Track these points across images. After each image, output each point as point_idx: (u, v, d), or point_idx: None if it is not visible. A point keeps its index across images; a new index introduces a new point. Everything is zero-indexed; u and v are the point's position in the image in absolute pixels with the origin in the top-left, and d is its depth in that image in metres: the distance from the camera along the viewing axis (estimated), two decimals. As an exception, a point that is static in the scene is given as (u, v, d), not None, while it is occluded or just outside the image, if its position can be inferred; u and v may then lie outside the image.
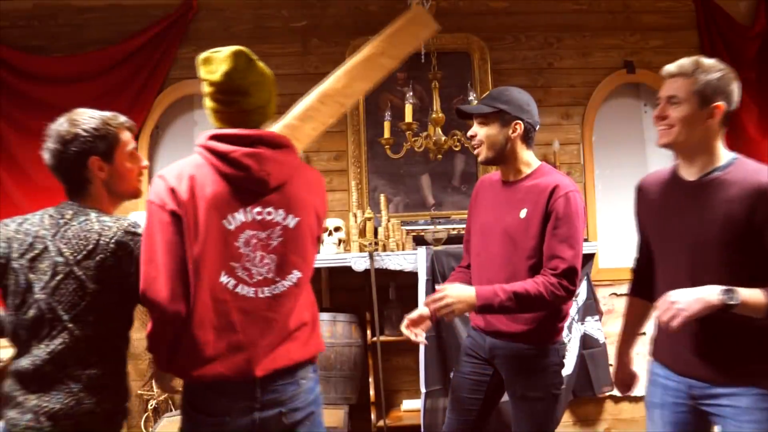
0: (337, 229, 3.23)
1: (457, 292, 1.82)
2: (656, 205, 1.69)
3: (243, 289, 1.43)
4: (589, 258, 3.29)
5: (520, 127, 1.94)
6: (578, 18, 3.62)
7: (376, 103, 3.52)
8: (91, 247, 1.45)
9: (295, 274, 1.49)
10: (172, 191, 1.42)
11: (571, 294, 1.82)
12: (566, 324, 2.03)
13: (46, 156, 1.55)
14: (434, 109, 2.80)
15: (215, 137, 1.50)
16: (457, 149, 2.93)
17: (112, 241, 1.46)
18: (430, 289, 2.95)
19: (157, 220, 1.41)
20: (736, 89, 1.59)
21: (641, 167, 3.64)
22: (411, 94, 2.81)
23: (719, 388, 1.52)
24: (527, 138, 1.97)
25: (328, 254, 3.16)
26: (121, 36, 3.41)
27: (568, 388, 3.14)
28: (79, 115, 1.55)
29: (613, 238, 3.57)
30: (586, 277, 3.27)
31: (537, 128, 2.01)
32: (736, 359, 1.51)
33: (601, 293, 3.45)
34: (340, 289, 3.38)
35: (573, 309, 3.23)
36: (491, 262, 1.95)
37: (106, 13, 3.47)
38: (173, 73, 3.47)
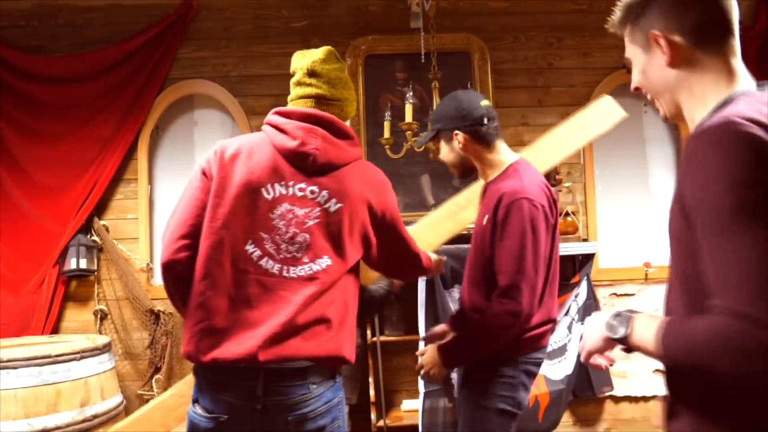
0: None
1: (429, 357, 1.84)
2: None
3: (268, 263, 1.37)
4: (589, 258, 3.30)
5: (460, 137, 1.83)
6: (578, 18, 3.62)
7: (376, 103, 3.52)
8: None
9: (325, 260, 1.39)
10: (215, 154, 1.43)
11: (516, 316, 1.66)
12: (545, 331, 1.83)
13: None
14: (434, 109, 2.80)
15: (278, 112, 1.50)
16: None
17: None
18: (430, 289, 2.95)
19: (192, 178, 1.44)
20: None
21: (641, 167, 3.65)
22: (411, 94, 2.81)
23: None
24: (479, 139, 1.83)
25: (328, 254, 3.15)
26: (121, 36, 3.41)
27: (568, 388, 3.14)
28: None
29: (613, 238, 3.57)
30: (586, 278, 3.27)
31: (486, 122, 1.81)
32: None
33: (601, 293, 3.45)
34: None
35: (573, 309, 3.23)
36: (466, 272, 1.93)
37: (106, 13, 3.47)
38: (173, 73, 3.48)
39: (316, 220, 1.40)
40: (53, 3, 3.46)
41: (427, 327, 2.92)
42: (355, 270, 1.49)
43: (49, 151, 3.31)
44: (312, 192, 1.41)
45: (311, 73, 1.53)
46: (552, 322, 1.85)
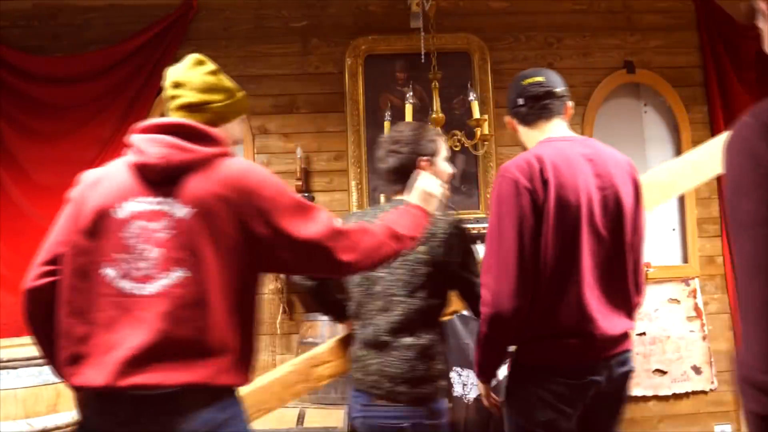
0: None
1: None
2: None
3: (123, 283, 1.30)
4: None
5: (509, 121, 1.76)
6: (578, 18, 3.62)
7: (376, 103, 3.52)
8: (426, 237, 1.69)
9: (178, 273, 1.28)
10: (79, 182, 1.43)
11: (485, 304, 1.49)
12: (559, 345, 1.54)
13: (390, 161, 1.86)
14: (434, 109, 2.80)
15: (134, 130, 1.43)
16: (457, 149, 2.92)
17: (443, 233, 1.73)
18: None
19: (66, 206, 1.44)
20: None
21: (641, 167, 3.63)
22: (411, 94, 2.81)
23: None
24: (522, 120, 1.71)
25: (328, 254, 3.15)
26: (121, 36, 3.41)
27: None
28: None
29: (613, 238, 3.57)
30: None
31: (522, 102, 1.68)
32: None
33: (601, 293, 3.45)
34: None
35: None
36: None
37: (106, 13, 3.47)
38: (173, 73, 3.47)
39: (168, 232, 1.30)
40: (53, 3, 3.46)
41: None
42: (244, 283, 1.35)
43: (49, 151, 3.31)
44: (160, 203, 1.32)
45: (176, 84, 1.47)
46: (574, 335, 1.51)
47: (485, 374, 1.68)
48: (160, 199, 1.32)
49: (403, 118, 2.82)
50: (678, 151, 3.64)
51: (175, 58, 3.54)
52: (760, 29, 0.97)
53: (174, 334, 1.26)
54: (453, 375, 2.85)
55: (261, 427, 2.76)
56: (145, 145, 1.36)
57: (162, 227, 1.31)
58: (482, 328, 1.53)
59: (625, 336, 1.59)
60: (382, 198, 3.29)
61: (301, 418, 2.81)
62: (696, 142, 3.60)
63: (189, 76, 1.50)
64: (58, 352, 1.35)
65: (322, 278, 1.94)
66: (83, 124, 3.34)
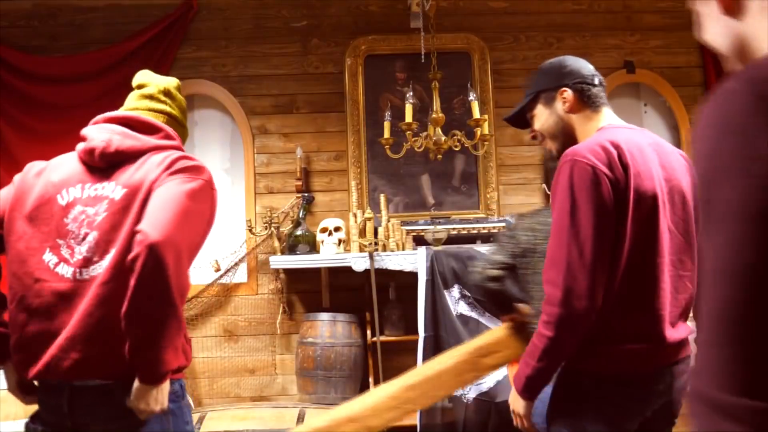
0: (337, 229, 3.23)
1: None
2: None
3: (63, 269, 1.29)
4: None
5: (568, 94, 1.54)
6: (578, 18, 3.62)
7: (376, 103, 3.52)
8: None
9: (112, 254, 1.27)
10: (23, 171, 1.44)
11: (554, 303, 1.31)
12: (635, 351, 1.39)
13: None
14: (434, 109, 2.80)
15: (91, 122, 1.48)
16: (457, 149, 2.93)
17: None
18: (430, 289, 2.95)
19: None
20: None
21: (641, 167, 3.65)
22: (411, 94, 2.81)
23: None
24: (586, 99, 1.53)
25: (328, 254, 3.16)
26: (121, 36, 3.41)
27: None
28: None
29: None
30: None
31: (597, 82, 1.56)
32: None
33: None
34: (340, 289, 3.39)
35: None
36: None
37: (106, 12, 3.47)
38: (173, 73, 3.47)
39: (104, 214, 1.31)
40: (53, 3, 3.46)
41: (426, 326, 2.92)
42: None
43: (49, 151, 3.26)
44: (104, 188, 1.34)
45: (167, 93, 1.57)
46: (644, 340, 1.36)
47: (532, 389, 1.42)
48: (104, 184, 1.35)
49: (403, 118, 2.83)
50: (678, 151, 3.64)
51: (175, 58, 3.58)
52: (696, 12, 0.87)
53: (109, 320, 1.23)
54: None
55: (261, 427, 2.76)
56: (94, 132, 1.41)
57: (101, 210, 1.31)
58: (547, 332, 1.32)
59: (686, 341, 1.45)
60: (382, 198, 3.29)
61: (301, 418, 2.81)
62: (696, 142, 3.61)
63: (177, 95, 1.60)
64: (11, 341, 1.33)
65: (507, 274, 1.89)
66: (83, 124, 3.32)
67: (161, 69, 3.42)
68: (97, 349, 1.25)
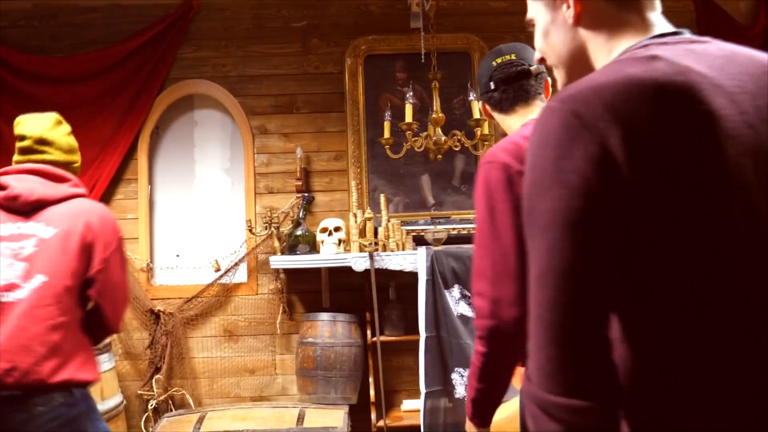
0: (337, 229, 3.23)
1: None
2: None
3: None
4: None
5: (483, 107, 1.53)
6: (578, 18, 3.62)
7: (376, 103, 3.52)
8: None
9: (39, 278, 1.57)
10: None
11: (484, 316, 1.22)
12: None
13: None
14: (434, 109, 2.80)
15: (4, 172, 1.74)
16: (457, 149, 2.93)
17: None
18: (431, 289, 2.95)
19: None
20: None
21: (641, 167, 3.65)
22: (411, 94, 2.81)
23: None
24: (496, 106, 1.51)
25: (328, 254, 3.16)
26: (121, 36, 3.41)
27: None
28: None
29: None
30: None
31: (493, 86, 1.49)
32: None
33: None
34: (340, 289, 3.39)
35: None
36: None
37: (106, 13, 3.47)
38: (173, 73, 3.48)
39: (33, 249, 1.60)
40: (53, 3, 3.46)
41: (427, 327, 2.92)
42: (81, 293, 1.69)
43: (49, 151, 3.31)
44: (28, 227, 1.64)
45: (42, 141, 1.75)
46: None
47: (481, 414, 1.32)
48: (29, 224, 1.64)
49: (403, 118, 2.83)
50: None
51: (175, 58, 3.59)
52: (533, 19, 0.93)
53: (31, 332, 1.50)
54: (455, 376, 2.85)
55: (261, 427, 2.76)
56: (11, 181, 1.67)
57: (27, 245, 1.61)
58: (481, 348, 1.24)
59: None
60: (382, 198, 3.29)
61: (301, 418, 2.81)
62: (696, 142, 3.61)
63: (54, 136, 1.79)
64: None
65: None
66: (83, 124, 3.33)
67: (161, 69, 3.42)
68: (18, 361, 1.47)
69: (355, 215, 3.29)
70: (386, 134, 2.83)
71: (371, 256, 3.08)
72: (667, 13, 3.48)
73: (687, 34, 0.84)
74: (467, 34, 3.53)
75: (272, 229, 3.27)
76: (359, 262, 3.10)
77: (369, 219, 3.22)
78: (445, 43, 3.35)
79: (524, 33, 3.62)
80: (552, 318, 0.67)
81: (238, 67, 3.50)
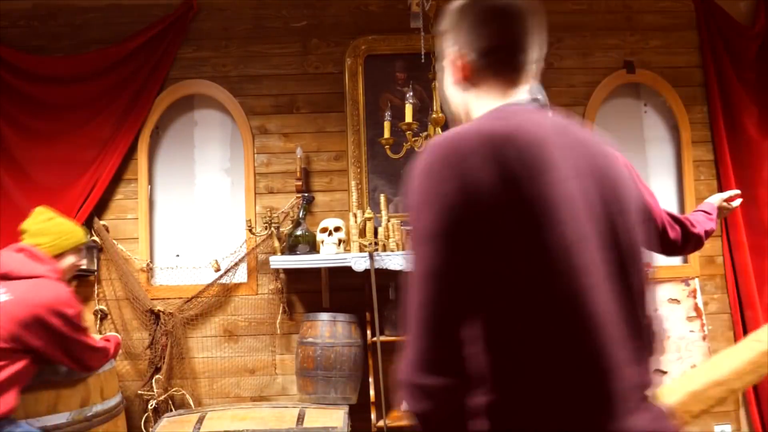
0: (337, 229, 3.23)
1: None
2: None
3: None
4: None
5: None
6: (578, 18, 3.62)
7: (376, 103, 3.52)
8: None
9: None
10: None
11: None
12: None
13: None
14: (434, 109, 2.80)
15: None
16: (457, 149, 2.92)
17: None
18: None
19: None
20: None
21: (641, 167, 3.64)
22: (411, 94, 2.81)
23: None
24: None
25: (328, 254, 3.16)
26: (121, 36, 3.41)
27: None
28: None
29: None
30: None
31: None
32: None
33: (601, 293, 3.45)
34: (340, 289, 3.39)
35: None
36: None
37: (106, 13, 3.47)
38: (173, 73, 3.48)
39: None
40: (53, 3, 3.46)
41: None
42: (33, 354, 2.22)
43: (49, 151, 3.31)
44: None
45: (22, 231, 2.43)
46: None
47: None
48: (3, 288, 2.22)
49: (403, 118, 2.82)
50: (678, 151, 3.64)
51: (175, 58, 3.58)
52: (439, 72, 1.14)
53: None
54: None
55: (261, 427, 2.76)
56: (4, 257, 2.31)
57: None
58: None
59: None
60: (382, 198, 3.29)
61: (301, 418, 2.81)
62: (696, 142, 3.61)
63: (29, 224, 2.42)
64: None
65: None
66: (83, 124, 3.34)
67: (161, 69, 3.42)
68: None
69: (355, 215, 3.29)
70: (386, 134, 2.83)
71: (371, 256, 3.08)
72: (667, 13, 3.50)
73: (540, 103, 1.05)
74: (467, 34, 3.53)
75: (272, 229, 3.27)
76: (359, 262, 3.10)
77: (369, 219, 3.22)
78: (445, 43, 3.34)
79: (524, 33, 3.63)
80: (423, 313, 0.86)
81: (238, 67, 3.50)
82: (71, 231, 2.44)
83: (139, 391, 3.24)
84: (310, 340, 3.08)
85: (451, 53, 1.09)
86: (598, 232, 0.90)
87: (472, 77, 1.07)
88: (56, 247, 2.37)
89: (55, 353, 2.27)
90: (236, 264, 3.37)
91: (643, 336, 0.94)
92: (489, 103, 1.04)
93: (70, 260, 2.43)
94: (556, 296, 0.84)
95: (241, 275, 3.41)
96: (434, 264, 0.85)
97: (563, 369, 0.84)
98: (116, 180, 3.40)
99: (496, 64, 1.05)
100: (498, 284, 0.84)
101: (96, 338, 2.52)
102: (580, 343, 0.84)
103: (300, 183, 3.37)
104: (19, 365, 2.18)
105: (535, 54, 1.06)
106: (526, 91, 1.06)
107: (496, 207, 0.84)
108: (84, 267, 3.23)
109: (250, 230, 3.32)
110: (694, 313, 3.51)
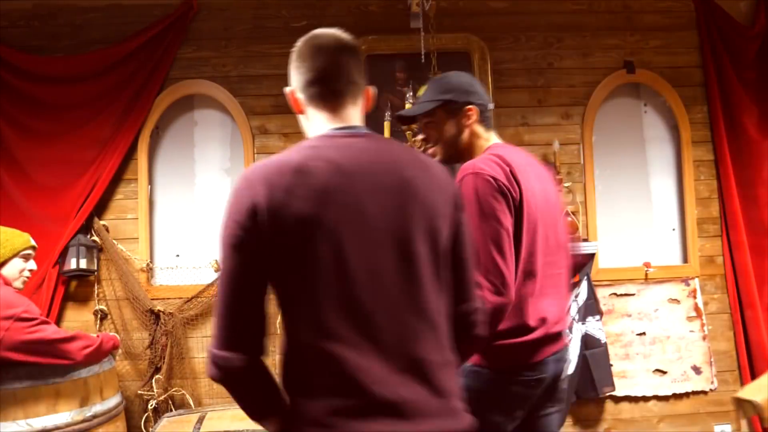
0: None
1: None
2: None
3: None
4: (589, 258, 3.30)
5: (474, 112, 1.72)
6: (578, 18, 3.62)
7: (376, 103, 3.52)
8: None
9: None
10: None
11: (501, 313, 1.52)
12: (527, 342, 1.60)
13: None
14: (434, 109, 2.80)
15: None
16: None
17: None
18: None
19: None
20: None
21: (641, 167, 3.64)
22: (411, 94, 2.81)
23: None
24: (484, 120, 1.76)
25: (328, 254, 3.15)
26: (121, 36, 3.41)
27: (570, 389, 3.13)
28: None
29: (613, 238, 3.57)
30: (586, 277, 3.27)
31: (490, 107, 1.81)
32: None
33: (601, 293, 3.45)
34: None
35: (573, 309, 3.23)
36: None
37: (106, 13, 3.47)
38: (173, 73, 3.48)
39: None
40: (53, 3, 3.46)
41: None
42: None
43: (49, 151, 3.31)
44: None
45: None
46: (540, 329, 1.61)
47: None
48: None
49: (403, 118, 2.82)
50: (678, 151, 3.64)
51: (175, 58, 3.58)
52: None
53: None
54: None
55: (260, 427, 2.76)
56: None
57: None
58: (494, 320, 1.47)
59: (563, 333, 1.74)
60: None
61: (301, 418, 2.80)
62: (696, 142, 3.61)
63: None
64: None
65: None
66: (83, 124, 3.34)
67: (161, 69, 3.42)
68: None
69: (355, 215, 3.28)
70: (386, 134, 2.83)
71: (371, 256, 3.08)
72: (667, 13, 3.50)
73: (356, 130, 1.21)
74: (467, 34, 3.53)
75: (272, 229, 3.27)
76: (359, 262, 3.09)
77: (369, 219, 3.21)
78: (445, 43, 3.35)
79: (524, 33, 3.63)
80: (221, 301, 1.12)
81: (238, 67, 3.50)
82: (7, 240, 2.54)
83: (139, 391, 3.24)
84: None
85: (288, 90, 1.30)
86: (392, 236, 1.10)
87: (303, 109, 1.27)
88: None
89: (19, 356, 2.33)
90: (236, 264, 3.36)
91: (428, 319, 1.13)
92: (316, 131, 1.23)
93: (17, 265, 2.56)
94: (330, 292, 1.08)
95: (241, 275, 3.41)
96: (227, 266, 1.10)
97: (332, 349, 1.07)
98: (116, 180, 3.40)
99: (317, 95, 1.23)
100: (279, 280, 1.13)
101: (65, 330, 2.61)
102: (348, 325, 1.08)
103: (300, 183, 3.37)
104: None
105: (352, 84, 1.23)
106: (349, 119, 1.23)
107: (274, 224, 1.06)
108: (83, 268, 3.23)
109: (250, 230, 3.31)
110: (694, 313, 3.51)
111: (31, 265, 2.64)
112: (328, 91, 1.23)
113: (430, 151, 1.77)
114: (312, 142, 1.18)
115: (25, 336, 2.34)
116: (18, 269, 2.57)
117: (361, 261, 1.08)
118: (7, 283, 2.51)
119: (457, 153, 1.75)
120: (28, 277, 2.63)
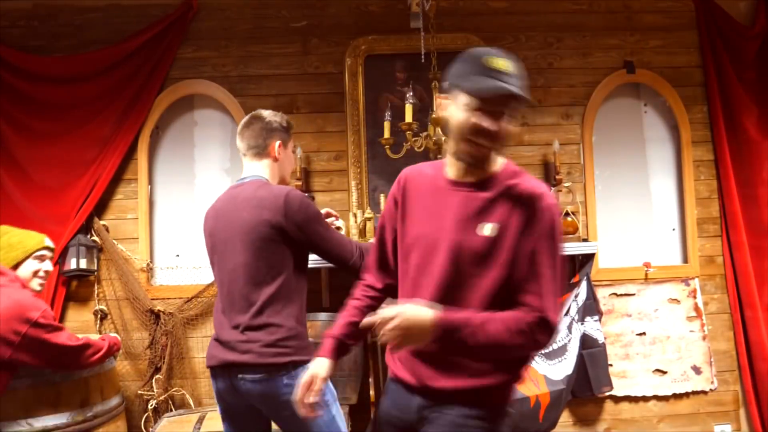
0: (337, 229, 3.22)
1: (412, 315, 1.38)
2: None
3: None
4: (589, 258, 3.30)
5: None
6: (578, 18, 3.62)
7: (376, 103, 3.52)
8: None
9: None
10: None
11: (550, 336, 1.41)
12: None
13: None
14: (434, 109, 2.80)
15: None
16: (457, 149, 2.92)
17: None
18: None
19: None
20: None
21: (641, 167, 3.65)
22: (411, 94, 2.81)
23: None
24: None
25: (328, 254, 3.15)
26: (121, 36, 3.41)
27: (568, 388, 3.14)
28: None
29: (613, 238, 3.57)
30: (586, 277, 3.27)
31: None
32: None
33: (601, 293, 3.45)
34: (340, 289, 3.38)
35: (573, 309, 3.23)
36: (428, 290, 1.50)
37: (106, 13, 3.47)
38: (173, 73, 3.48)
39: None
40: (53, 3, 3.46)
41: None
42: None
43: (49, 151, 3.31)
44: None
45: None
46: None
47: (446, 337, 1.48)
48: None
49: (403, 118, 2.83)
50: (678, 151, 3.64)
51: (175, 58, 3.58)
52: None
53: None
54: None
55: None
56: None
57: None
58: (543, 340, 1.39)
59: None
60: (382, 198, 3.29)
61: (301, 418, 2.80)
62: (696, 142, 3.61)
63: None
64: None
65: None
66: (83, 124, 3.34)
67: (161, 69, 3.42)
68: None
69: (355, 215, 3.29)
70: (386, 134, 2.83)
71: (371, 256, 3.08)
72: (667, 13, 3.52)
73: (249, 180, 2.14)
74: (467, 34, 3.53)
75: (272, 229, 3.27)
76: (359, 262, 3.09)
77: (369, 219, 3.22)
78: (445, 43, 3.34)
79: (524, 33, 3.64)
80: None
81: (238, 67, 3.51)
82: (20, 241, 2.52)
83: (139, 391, 3.24)
84: (310, 340, 3.07)
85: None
86: (242, 245, 2.04)
87: None
88: (9, 259, 2.47)
89: (31, 359, 2.29)
90: (236, 264, 3.36)
91: (242, 304, 2.05)
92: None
93: (30, 267, 2.52)
94: (219, 278, 2.11)
95: (241, 275, 3.41)
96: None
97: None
98: (116, 180, 3.40)
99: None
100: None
101: (80, 337, 2.50)
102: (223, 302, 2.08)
103: (300, 183, 3.37)
104: None
105: (245, 148, 2.26)
106: (250, 171, 2.18)
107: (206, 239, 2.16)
108: (83, 268, 3.23)
109: (250, 230, 3.31)
110: (694, 313, 3.51)
111: (47, 266, 2.59)
112: (243, 153, 2.26)
113: (483, 150, 1.51)
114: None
115: (41, 341, 2.29)
116: (31, 270, 2.51)
117: (225, 257, 2.11)
118: (24, 286, 2.46)
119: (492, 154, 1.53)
120: (44, 279, 2.58)
